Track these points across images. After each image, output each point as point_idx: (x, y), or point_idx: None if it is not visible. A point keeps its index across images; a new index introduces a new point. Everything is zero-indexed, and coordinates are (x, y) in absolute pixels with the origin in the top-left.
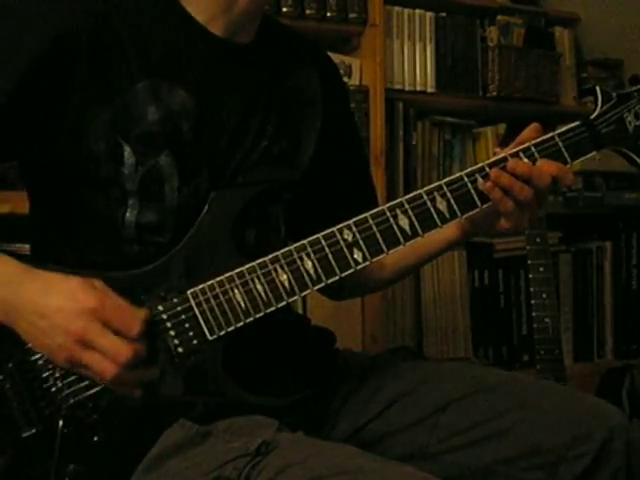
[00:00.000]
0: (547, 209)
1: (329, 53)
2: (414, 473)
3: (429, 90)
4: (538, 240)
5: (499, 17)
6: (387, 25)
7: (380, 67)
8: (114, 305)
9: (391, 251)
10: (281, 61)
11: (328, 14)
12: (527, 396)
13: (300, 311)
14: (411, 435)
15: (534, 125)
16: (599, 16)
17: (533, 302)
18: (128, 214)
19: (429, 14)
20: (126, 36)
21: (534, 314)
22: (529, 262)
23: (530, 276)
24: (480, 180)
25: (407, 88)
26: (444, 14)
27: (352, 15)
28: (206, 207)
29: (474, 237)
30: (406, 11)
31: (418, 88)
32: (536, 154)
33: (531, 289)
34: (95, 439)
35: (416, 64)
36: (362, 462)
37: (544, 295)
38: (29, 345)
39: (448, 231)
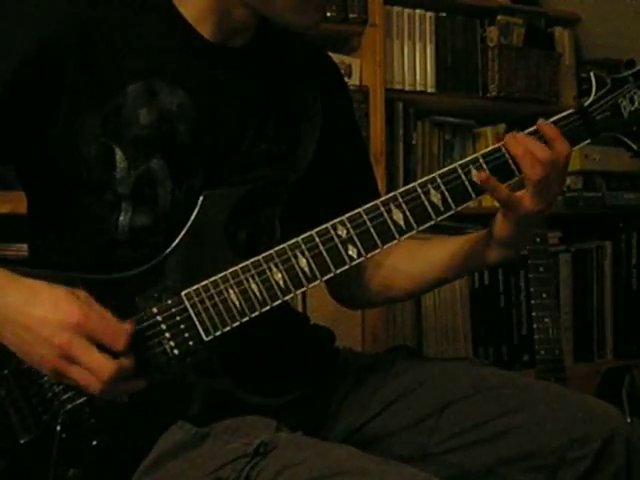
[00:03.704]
0: None
1: (329, 53)
2: (414, 473)
3: (429, 90)
4: (538, 240)
5: (499, 17)
6: (387, 25)
7: (380, 67)
8: (99, 318)
9: (386, 246)
10: (279, 64)
11: (328, 14)
12: (527, 397)
13: (300, 310)
14: (410, 435)
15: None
16: (599, 16)
17: (533, 302)
18: (122, 217)
19: (429, 14)
20: (117, 37)
21: (534, 314)
22: (529, 262)
23: (530, 276)
24: (474, 171)
25: (407, 88)
26: (444, 14)
27: (352, 15)
28: (197, 207)
29: (513, 244)
30: (406, 11)
31: (418, 88)
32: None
33: (531, 289)
34: (94, 443)
35: (416, 64)
36: (362, 462)
37: (544, 295)
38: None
39: (490, 254)
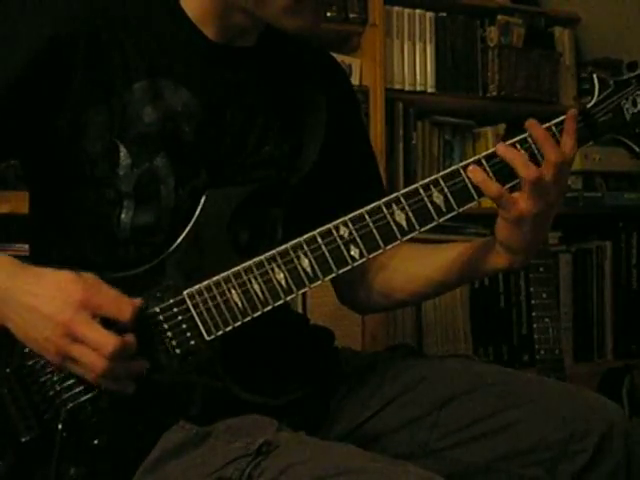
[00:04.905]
0: None
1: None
2: (416, 472)
3: (429, 90)
4: None
5: (499, 17)
6: (387, 25)
7: (380, 67)
8: (104, 294)
9: (388, 247)
10: (284, 65)
11: (328, 14)
12: (526, 392)
13: (300, 310)
14: (411, 433)
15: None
16: (599, 16)
17: (533, 302)
18: (123, 215)
19: (429, 14)
20: (125, 36)
21: (534, 314)
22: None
23: (530, 276)
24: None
25: (407, 88)
26: (444, 14)
27: (352, 15)
28: (200, 206)
29: (518, 249)
30: (406, 11)
31: (418, 88)
32: (533, 145)
33: (531, 289)
34: (95, 442)
35: (416, 64)
36: (364, 461)
37: (544, 295)
38: (21, 343)
39: (496, 259)
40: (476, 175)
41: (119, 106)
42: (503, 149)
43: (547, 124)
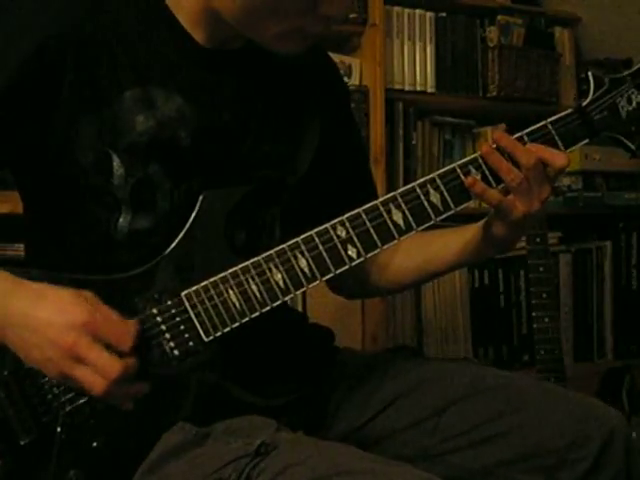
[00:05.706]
0: (547, 209)
1: (329, 53)
2: (416, 473)
3: (429, 90)
4: (538, 240)
5: (499, 17)
6: (387, 25)
7: (380, 67)
8: (105, 318)
9: (385, 246)
10: (276, 64)
11: None
12: (527, 398)
13: (300, 310)
14: (410, 436)
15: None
16: (599, 16)
17: (533, 302)
18: (121, 220)
19: (429, 14)
20: (115, 43)
21: (534, 314)
22: (529, 262)
23: (530, 276)
24: (473, 171)
25: (407, 88)
26: (444, 14)
27: (352, 15)
28: (196, 208)
29: (509, 243)
30: (406, 11)
31: (418, 88)
32: (529, 143)
33: (531, 289)
34: (94, 444)
35: (416, 64)
36: (363, 462)
37: (544, 295)
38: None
39: (487, 251)
40: (476, 186)
41: (110, 115)
42: (486, 154)
43: (517, 134)
